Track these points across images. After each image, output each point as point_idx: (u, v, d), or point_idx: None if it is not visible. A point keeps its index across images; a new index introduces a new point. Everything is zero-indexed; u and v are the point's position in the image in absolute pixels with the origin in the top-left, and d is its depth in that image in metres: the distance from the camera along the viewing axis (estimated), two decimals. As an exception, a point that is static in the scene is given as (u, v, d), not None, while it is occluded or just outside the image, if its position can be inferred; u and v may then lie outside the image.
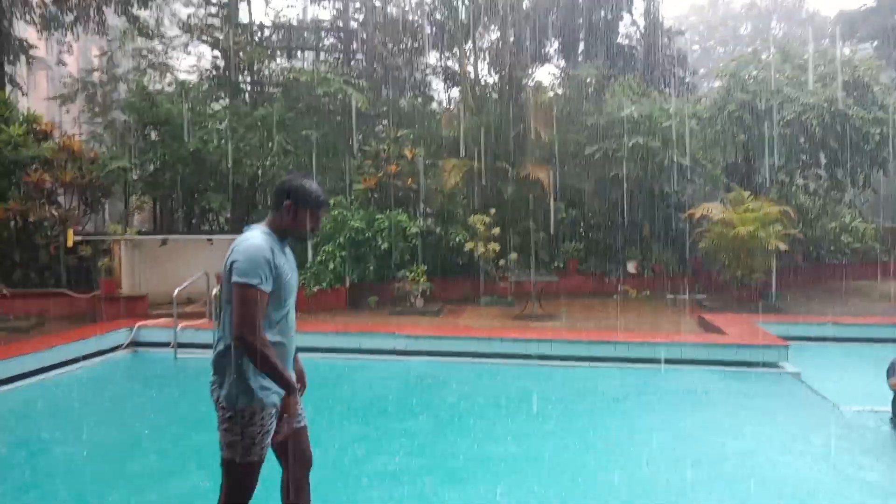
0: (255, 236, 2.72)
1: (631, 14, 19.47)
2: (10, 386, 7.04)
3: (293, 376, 2.82)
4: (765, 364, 8.02)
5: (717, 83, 18.26)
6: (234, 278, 2.61)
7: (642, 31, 19.59)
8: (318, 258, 12.60)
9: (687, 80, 19.11)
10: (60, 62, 18.30)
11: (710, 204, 13.60)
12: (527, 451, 5.11)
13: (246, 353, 2.63)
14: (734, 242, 12.33)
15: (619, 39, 19.25)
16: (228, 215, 15.45)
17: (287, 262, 2.81)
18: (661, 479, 4.53)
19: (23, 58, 16.16)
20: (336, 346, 8.85)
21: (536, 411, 6.22)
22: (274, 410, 2.76)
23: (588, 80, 16.96)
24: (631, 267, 15.10)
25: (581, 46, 19.30)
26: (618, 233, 15.58)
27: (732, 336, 8.77)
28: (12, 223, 11.71)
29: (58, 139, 12.78)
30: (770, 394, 6.98)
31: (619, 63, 18.36)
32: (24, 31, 16.87)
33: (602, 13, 18.43)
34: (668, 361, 8.06)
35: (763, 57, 15.56)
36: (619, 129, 14.52)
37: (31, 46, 16.28)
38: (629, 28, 19.85)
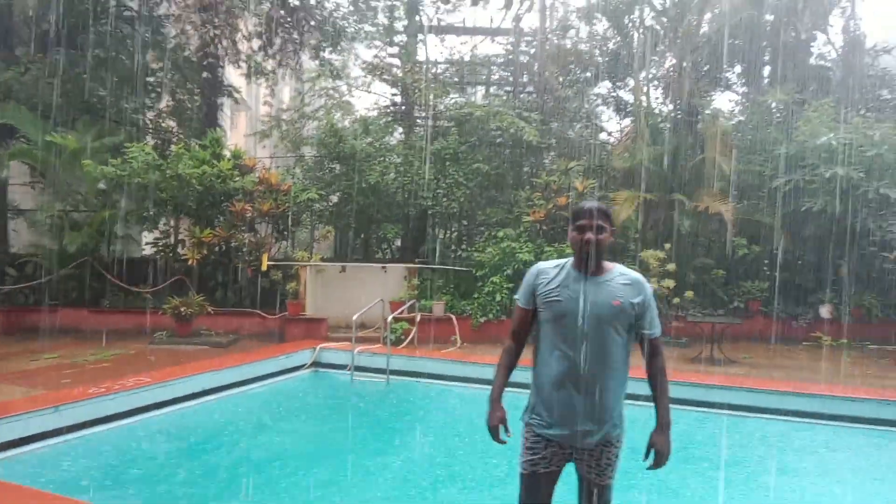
0: (546, 262, 2.95)
1: (826, 33, 17.85)
2: (214, 396, 7.77)
3: (498, 395, 2.99)
4: None
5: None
6: None
7: (839, 50, 17.89)
8: (486, 289, 12.74)
9: (894, 103, 17.08)
10: (267, 103, 20.33)
11: (927, 243, 11.97)
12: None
13: None
14: (958, 288, 10.71)
15: (812, 60, 17.70)
16: (399, 244, 16.16)
17: (565, 285, 2.76)
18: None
19: (228, 100, 18.20)
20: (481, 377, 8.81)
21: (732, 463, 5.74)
22: (528, 433, 2.89)
23: (775, 105, 15.77)
24: (825, 311, 13.62)
25: (767, 70, 18.00)
26: (809, 273, 14.18)
27: (961, 397, 7.56)
28: (217, 248, 13.09)
29: (258, 173, 14.15)
30: None
31: (812, 86, 16.87)
32: (231, 77, 19.01)
33: (792, 34, 17.06)
34: (876, 422, 7.13)
35: None
36: (812, 159, 13.29)
37: (237, 91, 18.28)
38: (823, 48, 18.21)
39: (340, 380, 9.24)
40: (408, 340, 11.27)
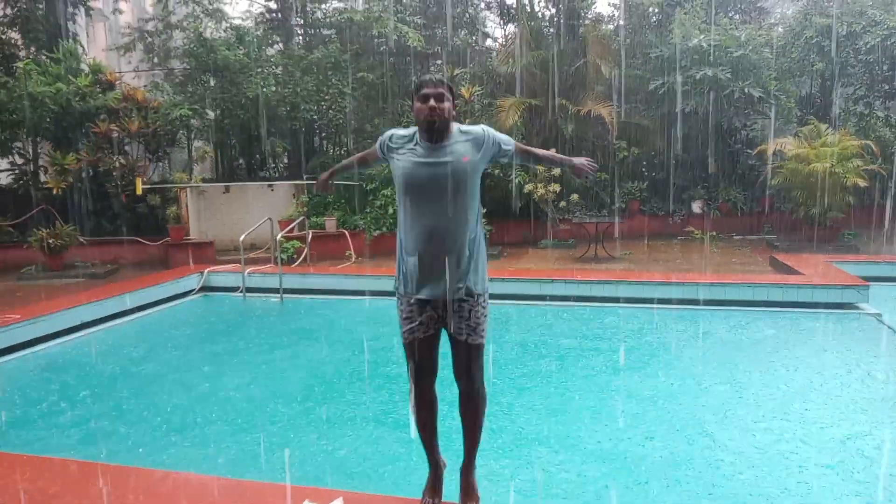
0: (399, 129, 2.97)
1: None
2: (96, 328, 7.38)
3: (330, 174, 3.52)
4: (843, 305, 7.72)
5: (793, 9, 17.15)
6: None
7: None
8: (378, 202, 12.64)
9: (759, 4, 17.90)
10: (116, 11, 18.43)
11: (784, 139, 12.95)
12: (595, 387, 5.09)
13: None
14: (809, 179, 11.75)
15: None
16: (286, 161, 15.59)
17: (414, 159, 2.79)
18: (737, 425, 4.43)
19: (81, 9, 16.34)
20: (377, 288, 8.89)
21: (605, 353, 6.17)
22: (406, 299, 2.89)
23: (651, 8, 16.13)
24: (696, 207, 14.62)
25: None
26: (682, 171, 15.05)
27: (808, 276, 8.44)
28: (84, 173, 12.10)
29: (121, 89, 13.01)
30: (851, 336, 6.71)
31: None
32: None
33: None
34: (740, 303, 7.86)
35: (845, -24, 14.45)
36: (685, 61, 13.82)
37: (90, -2, 16.43)
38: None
39: (232, 302, 9.01)
40: (301, 259, 11.09)
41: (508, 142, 2.95)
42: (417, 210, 2.80)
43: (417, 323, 2.88)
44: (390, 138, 2.92)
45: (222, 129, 13.88)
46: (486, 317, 2.93)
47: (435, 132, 2.75)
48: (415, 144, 2.82)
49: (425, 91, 2.72)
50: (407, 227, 2.87)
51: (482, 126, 2.91)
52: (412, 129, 2.89)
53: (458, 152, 2.78)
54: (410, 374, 2.93)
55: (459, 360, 2.90)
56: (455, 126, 2.85)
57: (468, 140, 2.82)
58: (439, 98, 2.71)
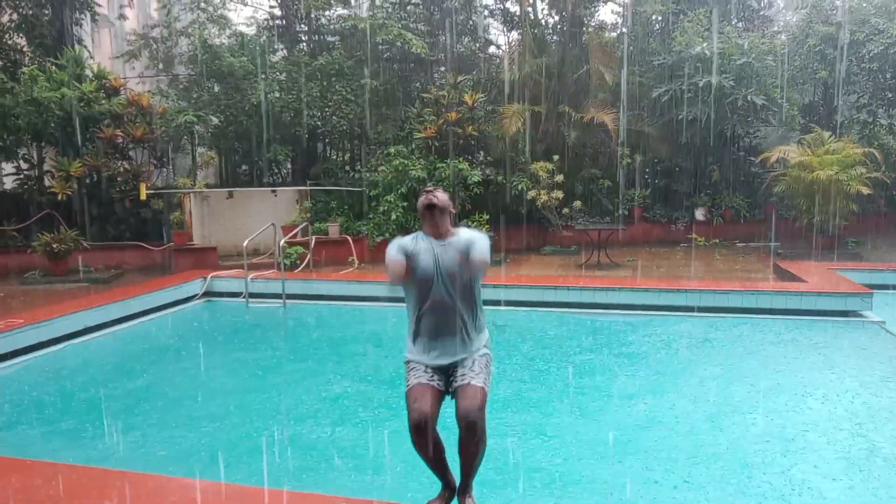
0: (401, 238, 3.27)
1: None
2: (99, 333, 7.39)
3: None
4: (847, 313, 7.70)
5: (796, 17, 17.18)
6: None
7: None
8: (381, 208, 12.65)
9: (763, 13, 17.91)
10: (121, 16, 18.52)
11: (787, 146, 12.93)
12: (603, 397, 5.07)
13: None
14: (812, 187, 11.72)
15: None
16: (290, 167, 15.61)
17: (425, 254, 3.14)
18: (741, 432, 4.42)
19: (87, 15, 16.39)
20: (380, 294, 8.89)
21: (606, 360, 6.16)
22: (412, 365, 3.19)
23: (654, 16, 16.15)
24: (699, 214, 14.59)
25: (647, -19, 18.26)
26: (685, 178, 15.04)
27: (812, 284, 8.41)
28: (88, 179, 12.14)
29: (126, 95, 13.06)
30: (855, 343, 6.70)
31: (688, -4, 17.34)
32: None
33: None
34: (743, 311, 7.84)
35: (848, -16, 14.45)
36: (688, 69, 13.83)
37: (94, 3, 16.49)
38: (700, -43, 18.63)
39: (235, 307, 9.03)
40: (304, 264, 11.10)
41: (481, 251, 3.11)
42: (426, 298, 3.13)
43: (423, 370, 3.16)
44: (403, 244, 3.19)
45: (226, 135, 13.92)
46: (487, 366, 3.18)
47: (434, 217, 3.12)
48: (420, 242, 3.19)
49: (426, 188, 3.21)
50: (416, 313, 3.18)
51: (484, 236, 3.19)
52: (415, 234, 3.25)
53: (456, 249, 3.12)
54: (412, 425, 2.96)
55: (460, 402, 2.99)
56: (462, 230, 3.24)
57: (467, 241, 3.11)
58: (436, 190, 3.19)
